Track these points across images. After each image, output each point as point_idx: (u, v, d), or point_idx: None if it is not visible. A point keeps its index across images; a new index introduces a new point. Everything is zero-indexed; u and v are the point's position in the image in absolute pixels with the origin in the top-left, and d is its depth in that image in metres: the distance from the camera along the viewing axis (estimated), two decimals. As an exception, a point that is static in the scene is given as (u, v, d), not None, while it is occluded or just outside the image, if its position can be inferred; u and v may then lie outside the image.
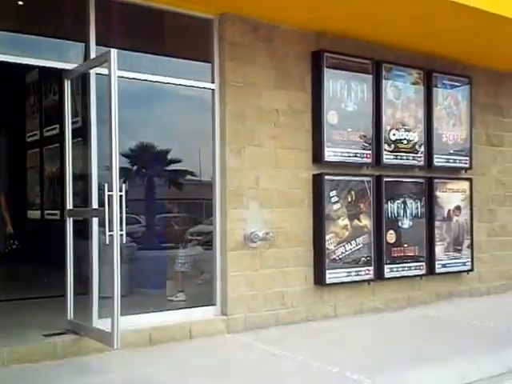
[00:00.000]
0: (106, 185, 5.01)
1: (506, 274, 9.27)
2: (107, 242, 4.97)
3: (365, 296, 7.64)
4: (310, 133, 7.24)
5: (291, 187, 7.06)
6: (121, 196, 5.00)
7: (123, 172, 6.79)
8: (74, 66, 5.76)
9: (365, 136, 7.51)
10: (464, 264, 8.52)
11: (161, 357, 5.52)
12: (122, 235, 5.01)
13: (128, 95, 6.45)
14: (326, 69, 7.22)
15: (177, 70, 6.57)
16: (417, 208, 7.99)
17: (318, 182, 7.18)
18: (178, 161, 7.44)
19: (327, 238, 7.16)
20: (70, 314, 5.74)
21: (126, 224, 5.12)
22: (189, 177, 7.74)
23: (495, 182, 9.15)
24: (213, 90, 6.67)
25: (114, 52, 5.08)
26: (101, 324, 5.37)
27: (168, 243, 8.02)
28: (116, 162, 5.04)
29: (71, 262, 5.75)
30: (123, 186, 5.08)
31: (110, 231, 4.95)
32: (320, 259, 7.15)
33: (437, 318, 7.50)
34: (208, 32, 6.67)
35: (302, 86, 7.18)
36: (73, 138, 5.98)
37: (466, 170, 8.61)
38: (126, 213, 5.13)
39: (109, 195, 4.97)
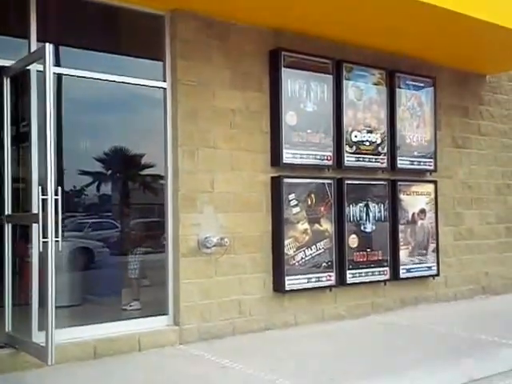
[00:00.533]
0: (40, 188, 4.59)
1: (473, 279, 9.00)
2: (41, 249, 4.54)
3: (327, 303, 7.30)
4: (269, 134, 6.87)
5: (248, 190, 6.70)
6: (56, 200, 4.58)
7: (70, 175, 6.40)
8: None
9: (325, 137, 7.13)
10: (429, 268, 8.20)
11: (102, 372, 5.12)
12: (57, 241, 4.57)
13: (74, 94, 6.05)
14: (283, 68, 6.90)
15: (128, 69, 6.23)
16: (380, 211, 7.66)
17: (276, 184, 6.83)
18: (130, 163, 6.97)
19: (286, 242, 6.81)
20: (8, 326, 5.30)
21: (63, 230, 4.67)
22: (142, 180, 7.29)
23: (461, 185, 8.88)
24: (164, 88, 6.28)
25: (49, 47, 4.70)
26: (41, 337, 4.93)
27: (123, 249, 7.57)
28: (51, 164, 4.67)
29: (9, 270, 5.32)
30: (59, 189, 4.65)
31: (44, 238, 4.53)
32: (279, 265, 6.79)
33: (400, 325, 7.20)
34: (159, 29, 6.33)
35: (260, 86, 6.83)
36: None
37: (431, 172, 8.31)
38: (66, 218, 4.70)
39: (43, 199, 4.55)
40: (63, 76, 5.91)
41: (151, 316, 6.19)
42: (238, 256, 6.63)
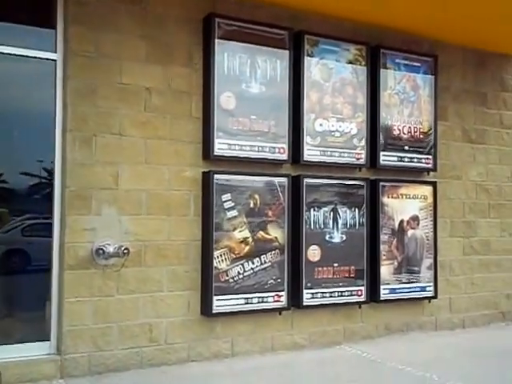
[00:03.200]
0: None
1: (489, 303, 6.90)
2: None
3: (278, 329, 5.53)
4: (201, 120, 5.13)
5: (169, 188, 5.06)
6: None
7: None
8: None
9: (277, 126, 5.34)
10: (423, 289, 6.25)
11: None
12: None
13: None
14: (217, 40, 5.17)
15: (12, 37, 4.69)
16: (354, 218, 5.79)
17: (205, 182, 5.08)
18: (11, 152, 5.24)
19: (216, 254, 5.11)
20: None
21: None
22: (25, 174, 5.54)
23: (475, 188, 6.82)
24: (55, 61, 4.70)
25: None
26: None
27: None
28: None
29: None
30: None
31: None
32: (206, 282, 5.06)
33: (373, 360, 5.46)
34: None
35: (189, 61, 5.19)
36: None
37: (429, 171, 6.29)
38: None
39: None
40: None
41: (24, 342, 4.57)
42: (152, 269, 5.01)
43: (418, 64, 6.33)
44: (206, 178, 5.22)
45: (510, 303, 7.10)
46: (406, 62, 6.26)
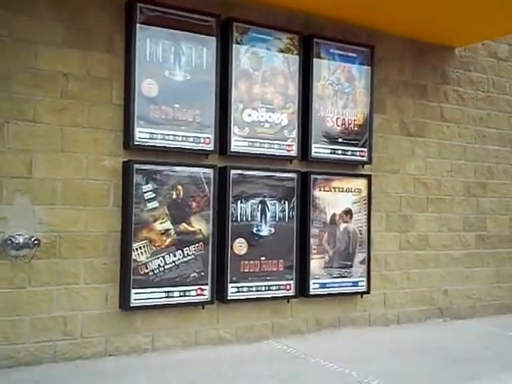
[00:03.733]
0: None
1: (426, 298, 7.08)
2: None
3: (202, 323, 5.63)
4: (122, 108, 5.17)
5: (87, 178, 5.13)
6: None
7: None
8: None
9: (202, 115, 5.41)
10: (355, 284, 6.38)
11: None
12: None
13: None
14: (139, 25, 5.22)
15: None
16: (283, 211, 5.88)
17: (125, 172, 5.13)
18: None
19: (136, 246, 5.18)
20: None
21: None
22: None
23: (413, 182, 6.97)
24: None
25: None
26: None
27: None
28: None
29: None
30: None
31: None
32: (124, 274, 5.12)
33: (297, 355, 5.61)
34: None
35: (110, 46, 5.24)
36: None
37: (364, 164, 6.43)
38: None
39: None
40: None
41: None
42: (67, 261, 5.08)
43: (354, 55, 6.45)
44: (126, 168, 5.27)
45: (447, 299, 7.28)
46: (341, 53, 6.38)
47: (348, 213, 6.41)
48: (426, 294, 7.18)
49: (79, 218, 5.19)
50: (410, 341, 6.29)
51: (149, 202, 5.35)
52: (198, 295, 5.59)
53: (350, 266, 6.43)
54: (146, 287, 5.34)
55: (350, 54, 6.46)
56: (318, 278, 6.24)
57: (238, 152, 5.79)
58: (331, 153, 6.32)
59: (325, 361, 5.37)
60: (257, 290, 5.89)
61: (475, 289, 7.60)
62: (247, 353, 5.62)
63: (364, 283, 6.53)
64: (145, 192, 5.34)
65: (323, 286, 6.27)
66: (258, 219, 5.89)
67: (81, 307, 5.20)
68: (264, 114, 5.91)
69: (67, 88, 5.17)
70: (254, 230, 5.87)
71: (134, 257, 5.28)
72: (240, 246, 5.77)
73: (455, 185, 7.41)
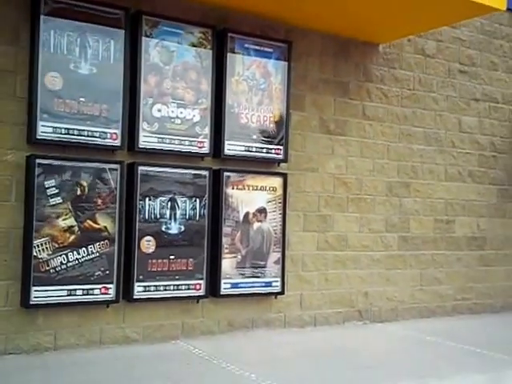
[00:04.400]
0: None
1: (344, 300, 7.70)
2: None
3: (107, 322, 6.14)
4: (26, 101, 5.63)
5: (-14, 173, 5.49)
6: None
7: None
8: None
9: (109, 110, 5.90)
10: (268, 285, 6.96)
11: None
12: None
13: None
14: (44, 16, 5.68)
15: None
16: (194, 209, 6.44)
17: (27, 167, 5.60)
18: None
19: (37, 243, 5.66)
20: None
21: None
22: None
23: (332, 181, 7.61)
24: None
25: None
26: None
27: None
28: None
29: None
30: None
31: None
32: (24, 272, 5.59)
33: (201, 357, 6.11)
34: None
35: (15, 39, 5.73)
36: None
37: (279, 162, 7.00)
38: None
39: None
40: None
41: None
42: (-35, 257, 5.42)
43: (270, 50, 7.02)
44: (28, 163, 5.71)
45: (367, 301, 7.92)
46: (257, 48, 6.93)
47: (262, 212, 6.98)
48: (345, 296, 7.80)
49: (-23, 214, 5.59)
50: (322, 343, 6.86)
51: (51, 198, 5.81)
52: (102, 294, 6.06)
53: (264, 266, 6.99)
54: (47, 285, 5.78)
55: (266, 50, 7.02)
56: (230, 278, 6.78)
57: (147, 148, 6.28)
58: (245, 150, 6.87)
59: (228, 363, 5.86)
60: (165, 290, 6.40)
61: (397, 291, 8.24)
62: (151, 353, 6.11)
63: (278, 284, 7.10)
64: (47, 188, 5.79)
65: (235, 286, 6.81)
66: (168, 217, 6.41)
67: (-22, 305, 5.59)
68: (175, 109, 6.43)
69: (-35, 80, 5.54)
70: (163, 228, 6.38)
71: (34, 253, 5.72)
72: (148, 245, 6.28)
73: (377, 184, 8.05)
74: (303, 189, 7.44)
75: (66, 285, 5.88)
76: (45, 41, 5.77)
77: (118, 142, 6.09)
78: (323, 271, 7.61)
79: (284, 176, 7.12)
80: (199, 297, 6.61)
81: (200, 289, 6.57)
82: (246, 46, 6.87)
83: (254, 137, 6.91)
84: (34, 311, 5.81)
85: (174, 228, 6.42)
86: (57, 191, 5.82)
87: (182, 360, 5.94)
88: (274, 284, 7.07)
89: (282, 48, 7.12)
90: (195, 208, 6.53)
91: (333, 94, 7.70)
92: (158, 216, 6.34)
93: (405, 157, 8.31)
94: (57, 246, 5.82)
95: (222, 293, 6.72)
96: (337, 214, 7.73)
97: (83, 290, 5.95)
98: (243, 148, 6.83)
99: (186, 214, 6.48)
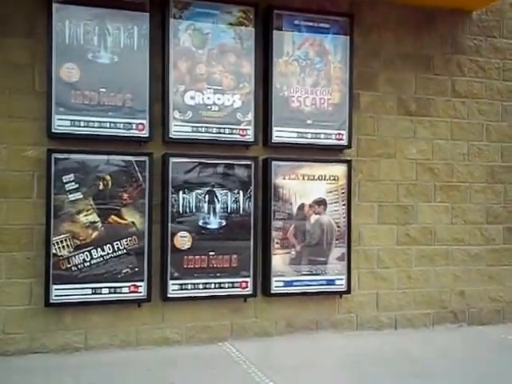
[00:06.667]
0: None
1: (433, 300, 5.97)
2: None
3: (144, 322, 5.03)
4: (45, 95, 4.70)
5: (6, 169, 4.79)
6: None
7: None
8: None
9: (134, 100, 4.79)
10: (331, 283, 5.44)
11: None
12: None
13: None
14: (56, 4, 4.68)
15: None
16: (236, 201, 5.13)
17: (48, 162, 4.66)
18: None
19: (57, 239, 4.70)
20: None
21: None
22: None
23: (414, 167, 5.88)
24: None
25: None
26: None
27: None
28: None
29: None
30: None
31: None
32: (46, 270, 4.65)
33: (235, 361, 4.86)
34: None
35: (31, 31, 4.84)
36: None
37: (342, 149, 5.40)
38: None
39: None
40: None
41: None
42: (-15, 255, 4.63)
43: (327, 25, 5.49)
44: (47, 158, 4.74)
45: (463, 301, 6.06)
46: (310, 24, 5.44)
47: (321, 203, 5.44)
48: (434, 296, 5.99)
49: (-1, 211, 4.73)
50: (391, 348, 5.27)
51: (70, 193, 4.81)
52: (131, 292, 4.96)
53: (325, 263, 5.46)
54: (68, 283, 4.78)
55: (322, 25, 5.48)
56: (283, 276, 5.35)
57: (179, 138, 5.04)
58: (298, 136, 5.39)
59: (257, 368, 4.59)
60: (205, 288, 5.14)
61: (503, 290, 6.20)
62: (185, 355, 4.99)
63: (343, 282, 5.53)
64: (66, 183, 4.78)
65: (289, 284, 5.36)
66: (205, 211, 5.12)
67: (2, 302, 4.80)
68: (211, 95, 5.13)
69: (-18, 77, 4.69)
70: (201, 223, 5.13)
71: (54, 251, 4.74)
72: (183, 240, 5.05)
73: (473, 170, 6.14)
74: (377, 177, 5.73)
75: (90, 283, 4.85)
76: (59, 31, 4.73)
77: (145, 133, 4.92)
78: (404, 268, 5.84)
79: (348, 163, 5.50)
80: (246, 296, 5.21)
81: (247, 287, 5.21)
82: (296, 22, 5.37)
83: (309, 122, 5.36)
84: (61, 310, 4.87)
85: (214, 222, 5.10)
86: (76, 186, 4.79)
87: (210, 363, 4.75)
88: (337, 282, 5.48)
89: (342, 22, 5.50)
90: (238, 201, 5.15)
91: (413, 70, 5.89)
92: (194, 210, 5.07)
93: (510, 137, 6.15)
94: (78, 242, 4.80)
95: (273, 291, 5.28)
96: (421, 203, 5.92)
97: (109, 288, 4.85)
98: (295, 134, 5.33)
99: (227, 208, 5.14)
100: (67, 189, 4.82)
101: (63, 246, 4.81)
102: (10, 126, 4.81)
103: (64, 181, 4.81)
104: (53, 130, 4.78)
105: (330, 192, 5.50)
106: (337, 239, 5.51)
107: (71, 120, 4.82)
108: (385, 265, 5.82)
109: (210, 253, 5.16)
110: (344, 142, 5.53)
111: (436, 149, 6.00)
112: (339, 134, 5.51)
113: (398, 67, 5.87)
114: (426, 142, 5.96)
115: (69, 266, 4.82)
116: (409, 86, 5.92)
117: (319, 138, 5.45)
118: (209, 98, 5.15)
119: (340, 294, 5.58)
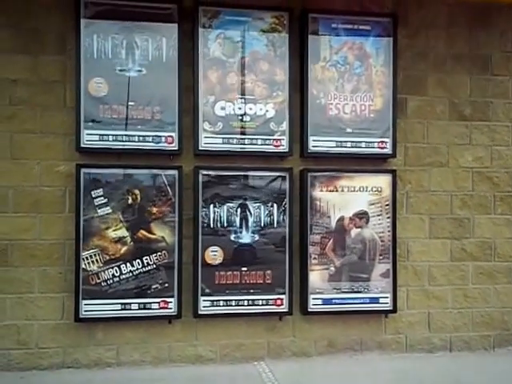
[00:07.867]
0: None
1: (493, 321, 5.18)
2: None
3: (177, 339, 4.61)
4: (74, 111, 4.44)
5: (39, 184, 4.51)
6: None
7: None
8: None
9: (163, 112, 4.42)
10: (375, 301, 4.75)
11: None
12: None
13: None
14: (85, 20, 4.42)
15: None
16: (270, 215, 4.60)
17: (77, 177, 4.39)
18: None
19: (85, 254, 4.37)
20: None
21: None
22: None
23: (470, 176, 5.07)
24: None
25: None
26: None
27: None
28: None
29: None
30: None
31: None
32: (76, 285, 4.38)
33: (263, 382, 4.40)
34: None
35: (61, 48, 4.57)
36: None
37: (386, 158, 4.75)
38: None
39: None
40: None
41: None
42: (19, 269, 4.53)
43: (367, 27, 4.83)
44: (76, 173, 4.43)
45: (529, 323, 5.10)
46: (348, 27, 4.82)
47: (362, 216, 4.77)
48: (495, 316, 5.14)
49: (31, 226, 4.53)
50: (437, 373, 4.41)
51: (99, 208, 4.46)
52: (161, 308, 4.53)
53: (367, 280, 4.78)
54: (98, 298, 4.43)
55: (362, 28, 4.83)
56: (321, 293, 4.74)
57: (210, 150, 4.57)
58: (337, 146, 4.77)
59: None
60: (238, 305, 4.63)
61: None
62: (215, 374, 4.53)
63: (388, 300, 4.83)
64: (95, 197, 4.43)
65: (328, 302, 4.74)
66: (237, 225, 4.61)
67: (35, 317, 4.53)
68: (242, 106, 4.62)
69: (16, 94, 4.49)
70: (232, 238, 4.63)
71: (83, 266, 4.41)
72: (214, 256, 4.55)
73: (540, 178, 5.17)
74: (427, 188, 4.99)
75: (119, 298, 4.47)
76: (87, 46, 4.40)
77: (174, 146, 4.50)
78: (460, 286, 5.05)
79: (393, 173, 4.80)
80: (282, 313, 4.63)
81: (282, 304, 4.64)
82: (334, 26, 4.75)
83: (349, 130, 4.72)
84: (92, 325, 4.53)
85: (246, 237, 4.58)
86: (105, 201, 4.43)
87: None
88: (381, 300, 4.78)
89: (385, 23, 4.83)
90: (272, 214, 4.61)
91: (468, 72, 5.08)
92: (226, 224, 4.58)
93: None
94: (108, 257, 4.43)
95: (310, 309, 4.67)
96: (478, 216, 5.09)
97: (139, 303, 4.44)
98: (334, 144, 4.71)
99: (260, 222, 4.60)
100: (96, 203, 4.48)
101: (92, 261, 4.47)
102: (42, 142, 4.54)
103: (93, 195, 4.47)
104: (82, 145, 4.44)
105: (373, 204, 4.81)
106: (380, 254, 4.81)
107: (100, 134, 4.46)
108: (437, 282, 5.03)
109: (243, 268, 4.64)
110: (388, 151, 4.83)
111: (495, 156, 5.15)
112: (382, 142, 4.81)
113: (449, 69, 5.09)
114: (483, 149, 5.13)
115: (98, 281, 4.46)
116: (463, 88, 5.12)
117: (360, 147, 4.79)
118: (240, 109, 4.63)
119: (385, 312, 4.84)
